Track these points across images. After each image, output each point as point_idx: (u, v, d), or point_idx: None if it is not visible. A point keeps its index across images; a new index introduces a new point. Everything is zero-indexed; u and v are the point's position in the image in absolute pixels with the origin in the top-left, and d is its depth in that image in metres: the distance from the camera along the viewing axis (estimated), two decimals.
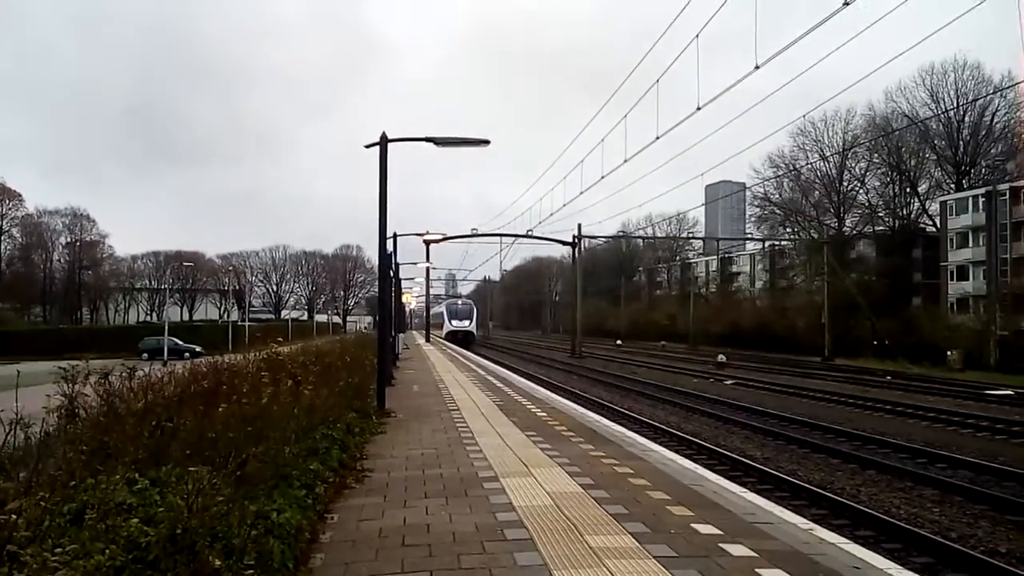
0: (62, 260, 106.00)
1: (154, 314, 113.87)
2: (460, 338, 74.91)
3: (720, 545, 5.66)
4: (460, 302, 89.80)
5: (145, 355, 50.12)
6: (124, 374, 8.57)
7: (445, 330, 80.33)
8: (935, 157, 72.15)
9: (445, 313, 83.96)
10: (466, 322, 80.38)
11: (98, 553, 3.74)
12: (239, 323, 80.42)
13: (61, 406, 7.26)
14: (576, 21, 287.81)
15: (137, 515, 4.34)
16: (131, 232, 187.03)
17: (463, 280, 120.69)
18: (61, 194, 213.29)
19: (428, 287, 77.29)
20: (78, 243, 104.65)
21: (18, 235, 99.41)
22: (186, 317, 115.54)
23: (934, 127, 69.19)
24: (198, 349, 53.28)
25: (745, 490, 8.00)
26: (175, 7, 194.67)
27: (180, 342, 60.55)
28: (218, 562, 3.91)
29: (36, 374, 8.91)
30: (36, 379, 8.34)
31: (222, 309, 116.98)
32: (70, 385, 7.53)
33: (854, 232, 76.10)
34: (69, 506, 4.51)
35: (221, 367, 11.80)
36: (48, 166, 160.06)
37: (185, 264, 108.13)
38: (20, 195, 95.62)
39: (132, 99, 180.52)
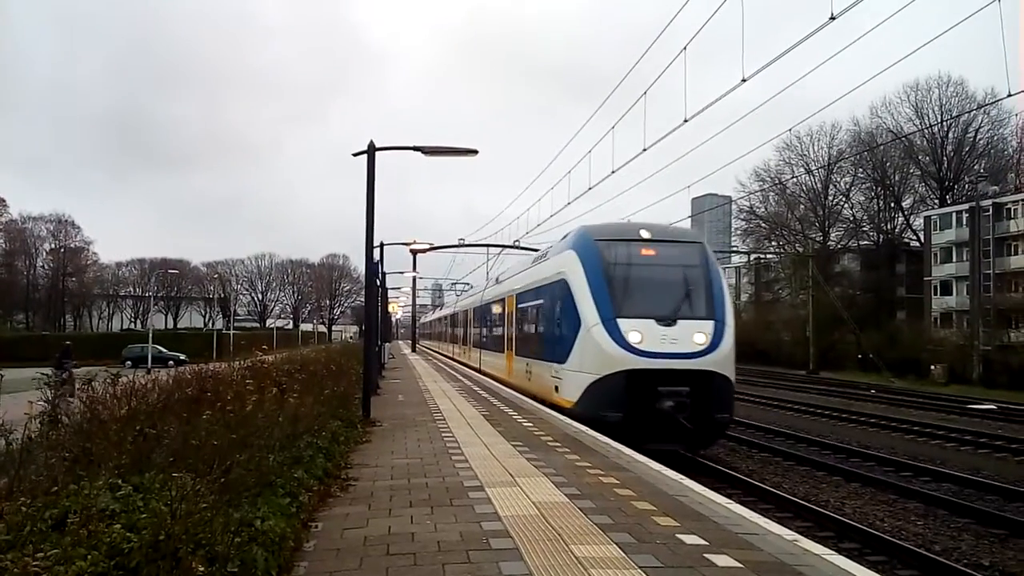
0: (46, 266, 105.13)
1: (138, 322, 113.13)
2: (680, 406, 14.59)
3: (705, 555, 5.66)
4: (670, 237, 17.49)
5: (128, 363, 49.59)
6: (108, 380, 8.52)
7: (587, 377, 15.38)
8: (919, 172, 73.05)
9: (590, 295, 15.68)
10: (702, 333, 15.02)
11: (80, 559, 3.71)
12: (224, 331, 79.83)
13: (44, 412, 7.21)
14: (565, 32, 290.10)
15: (120, 521, 4.31)
16: (116, 239, 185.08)
17: (448, 290, 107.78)
18: (44, 200, 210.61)
19: (415, 297, 76.69)
20: (62, 249, 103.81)
21: (1, 241, 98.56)
22: (170, 325, 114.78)
23: (918, 143, 70.09)
24: (182, 357, 52.83)
25: (730, 501, 7.99)
26: (150, 10, 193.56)
27: (164, 350, 60.18)
28: (201, 568, 3.88)
29: (18, 381, 8.85)
30: (18, 386, 8.28)
31: (207, 317, 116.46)
32: (53, 391, 7.48)
33: (839, 246, 76.73)
34: (51, 512, 4.46)
35: (205, 375, 11.75)
36: (30, 172, 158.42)
37: (170, 271, 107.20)
38: (3, 200, 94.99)
39: (111, 103, 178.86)
